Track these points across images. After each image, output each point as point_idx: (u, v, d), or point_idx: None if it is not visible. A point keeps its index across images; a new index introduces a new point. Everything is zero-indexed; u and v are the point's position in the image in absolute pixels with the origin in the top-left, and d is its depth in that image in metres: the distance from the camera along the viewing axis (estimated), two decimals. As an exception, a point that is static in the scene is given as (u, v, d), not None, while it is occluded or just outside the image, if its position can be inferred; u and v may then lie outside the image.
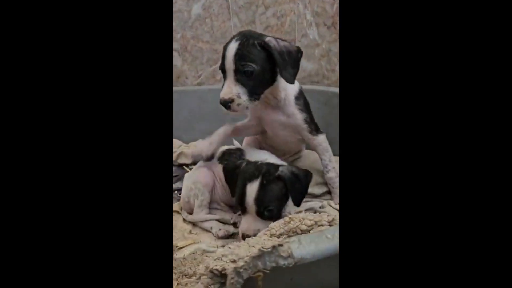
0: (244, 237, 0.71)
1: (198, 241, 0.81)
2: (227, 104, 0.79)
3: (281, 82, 0.85)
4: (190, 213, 0.94)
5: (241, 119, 1.00)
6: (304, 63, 1.46)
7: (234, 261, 0.47)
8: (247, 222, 0.74)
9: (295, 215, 0.57)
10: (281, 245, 0.41)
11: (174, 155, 1.27)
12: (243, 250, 0.48)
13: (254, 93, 0.81)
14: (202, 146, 0.92)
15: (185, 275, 0.60)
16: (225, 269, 0.46)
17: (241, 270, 0.40)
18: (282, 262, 0.41)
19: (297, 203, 0.77)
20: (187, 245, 0.79)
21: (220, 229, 0.86)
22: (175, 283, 0.57)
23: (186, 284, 0.55)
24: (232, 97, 0.78)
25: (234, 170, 0.80)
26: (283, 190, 0.75)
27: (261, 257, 0.41)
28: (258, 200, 0.73)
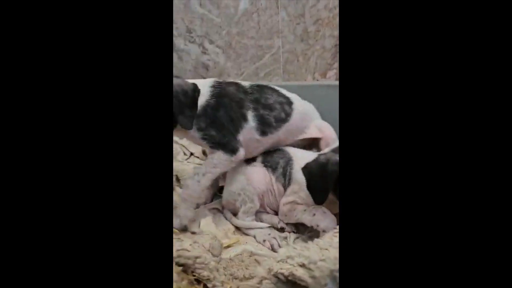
0: None
1: (244, 243, 0.74)
2: None
3: None
4: (234, 214, 0.87)
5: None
6: (356, 58, 1.35)
7: (303, 265, 0.39)
8: None
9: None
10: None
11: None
12: (314, 253, 0.40)
13: None
14: None
15: (235, 278, 0.53)
16: (293, 274, 0.38)
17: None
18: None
19: None
20: (232, 244, 0.72)
21: (264, 241, 0.77)
22: (226, 286, 0.49)
23: (238, 286, 0.48)
24: None
25: (323, 168, 0.66)
26: None
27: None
28: None
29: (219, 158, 0.77)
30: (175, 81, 0.71)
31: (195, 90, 0.72)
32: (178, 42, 1.68)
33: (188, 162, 1.34)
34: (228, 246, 0.71)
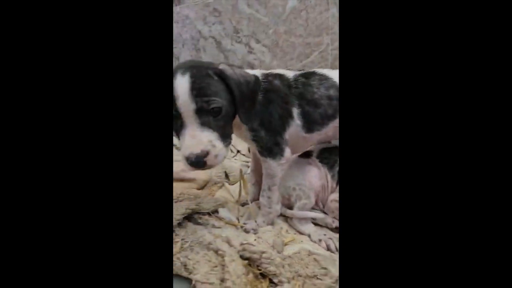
0: None
1: (300, 241, 0.74)
2: (201, 160, 0.56)
3: None
4: (289, 208, 0.86)
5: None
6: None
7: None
8: None
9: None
10: None
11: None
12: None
13: (227, 136, 0.62)
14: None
15: (300, 275, 0.53)
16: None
17: None
18: None
19: None
20: (288, 242, 0.72)
21: (320, 240, 0.76)
22: (295, 283, 0.50)
23: (304, 284, 0.48)
24: (205, 148, 0.57)
25: None
26: None
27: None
28: None
29: (271, 167, 0.76)
30: (238, 71, 0.66)
31: (257, 82, 0.67)
32: (225, 42, 1.72)
33: (235, 159, 1.37)
34: (285, 244, 0.72)
